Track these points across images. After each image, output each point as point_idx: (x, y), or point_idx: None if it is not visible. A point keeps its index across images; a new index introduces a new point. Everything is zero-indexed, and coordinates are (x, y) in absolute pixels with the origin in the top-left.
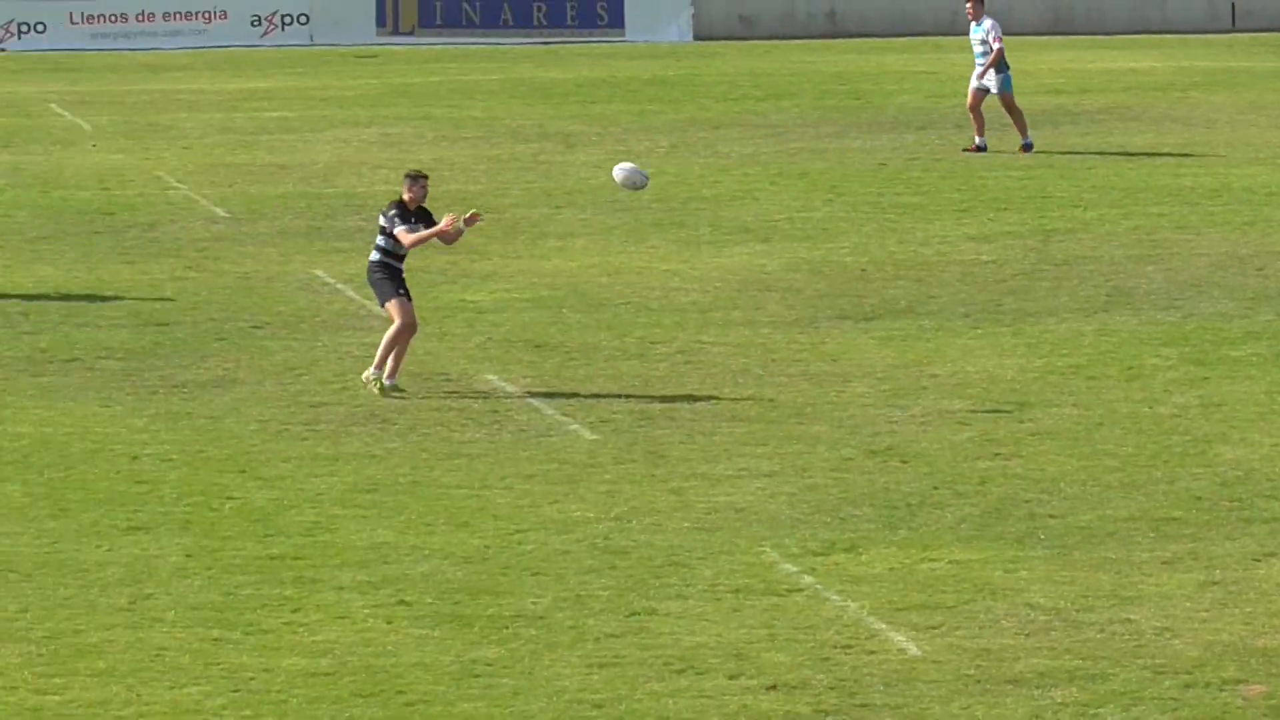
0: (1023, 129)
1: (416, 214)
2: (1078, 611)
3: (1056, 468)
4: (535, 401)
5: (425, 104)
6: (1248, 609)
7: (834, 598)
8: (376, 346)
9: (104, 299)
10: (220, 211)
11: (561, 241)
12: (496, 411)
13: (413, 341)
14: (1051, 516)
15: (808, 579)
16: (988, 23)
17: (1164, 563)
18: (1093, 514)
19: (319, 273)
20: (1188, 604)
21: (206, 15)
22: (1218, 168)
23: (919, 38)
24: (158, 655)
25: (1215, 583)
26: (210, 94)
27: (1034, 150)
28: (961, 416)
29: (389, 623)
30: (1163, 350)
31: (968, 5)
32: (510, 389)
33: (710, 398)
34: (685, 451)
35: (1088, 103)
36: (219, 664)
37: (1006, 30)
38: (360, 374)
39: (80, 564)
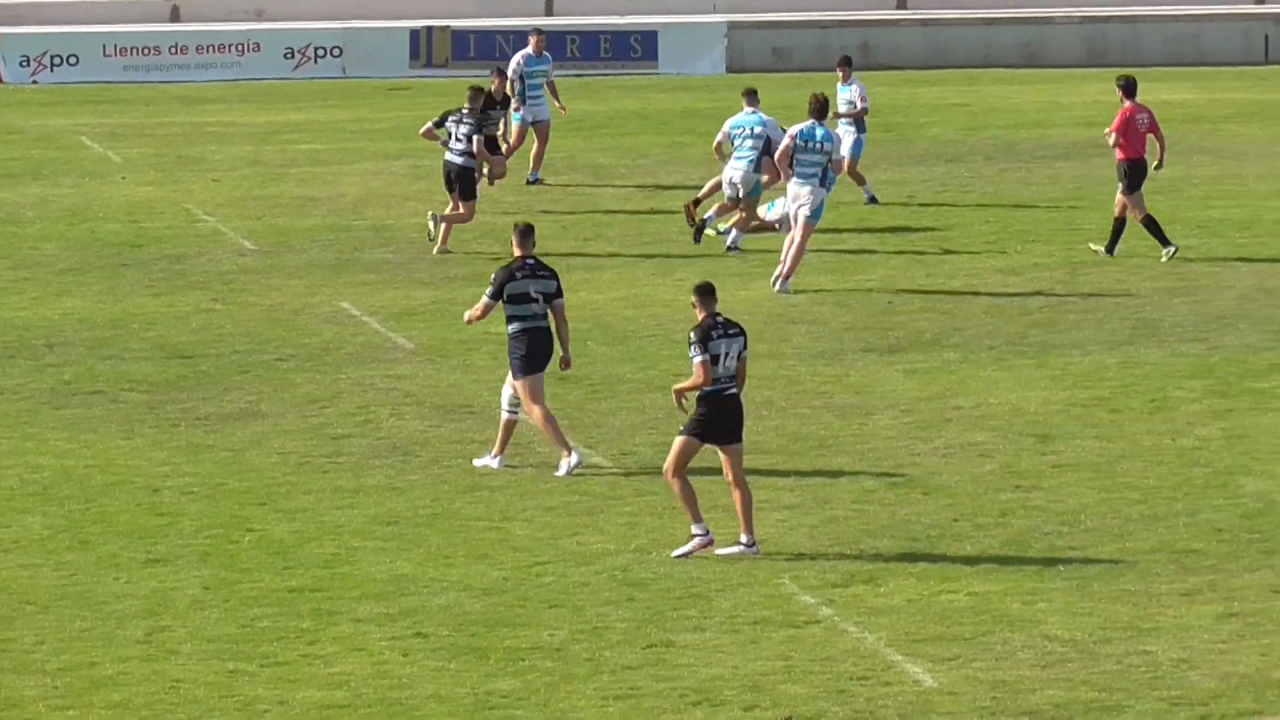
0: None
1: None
2: (1095, 643)
3: (1078, 500)
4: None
5: None
6: (1266, 641)
7: (852, 629)
8: (400, 379)
9: (130, 331)
10: (248, 244)
11: (589, 274)
12: (519, 443)
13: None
14: (1072, 549)
15: (826, 610)
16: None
17: (1183, 595)
18: (1113, 546)
19: (345, 305)
20: (1206, 636)
21: (240, 48)
22: (1247, 200)
23: (951, 70)
24: (173, 687)
25: (1234, 614)
26: (241, 126)
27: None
28: (984, 449)
29: (405, 655)
30: (1187, 383)
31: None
32: (533, 422)
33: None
34: (706, 484)
35: None
36: (235, 696)
37: (1042, 63)
38: (380, 407)
39: (98, 596)
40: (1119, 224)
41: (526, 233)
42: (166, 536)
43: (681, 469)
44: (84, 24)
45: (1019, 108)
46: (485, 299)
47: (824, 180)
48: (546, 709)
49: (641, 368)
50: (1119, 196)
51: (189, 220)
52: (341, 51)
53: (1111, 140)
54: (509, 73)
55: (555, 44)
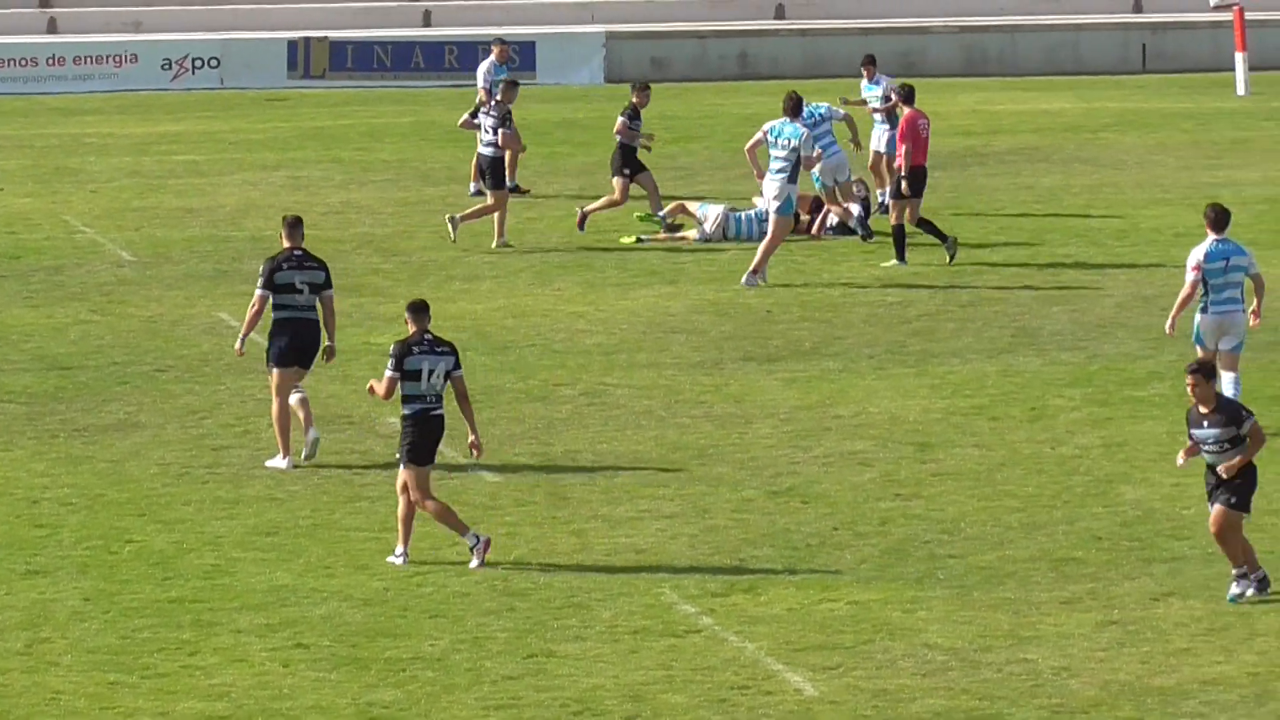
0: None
1: None
2: (976, 651)
3: (957, 508)
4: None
5: (335, 147)
6: (1145, 648)
7: (732, 638)
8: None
9: (8, 342)
10: (126, 255)
11: (468, 284)
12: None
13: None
14: (952, 557)
15: (706, 620)
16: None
17: (1063, 603)
18: (993, 554)
19: (224, 316)
20: (1086, 644)
21: (117, 59)
22: (1125, 208)
23: (830, 80)
24: (53, 699)
25: (1114, 622)
26: (119, 137)
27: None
28: (864, 457)
29: (286, 666)
30: (1066, 391)
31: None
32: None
33: (613, 440)
34: (587, 493)
35: (997, 144)
36: (115, 708)
37: (920, 72)
38: (259, 418)
39: None
40: (901, 230)
41: (295, 224)
42: (46, 548)
43: (428, 493)
44: None
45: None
46: (257, 290)
47: (793, 176)
48: (428, 719)
49: (521, 377)
50: (893, 203)
51: (67, 232)
52: (219, 62)
53: (903, 150)
54: (479, 81)
55: (433, 55)
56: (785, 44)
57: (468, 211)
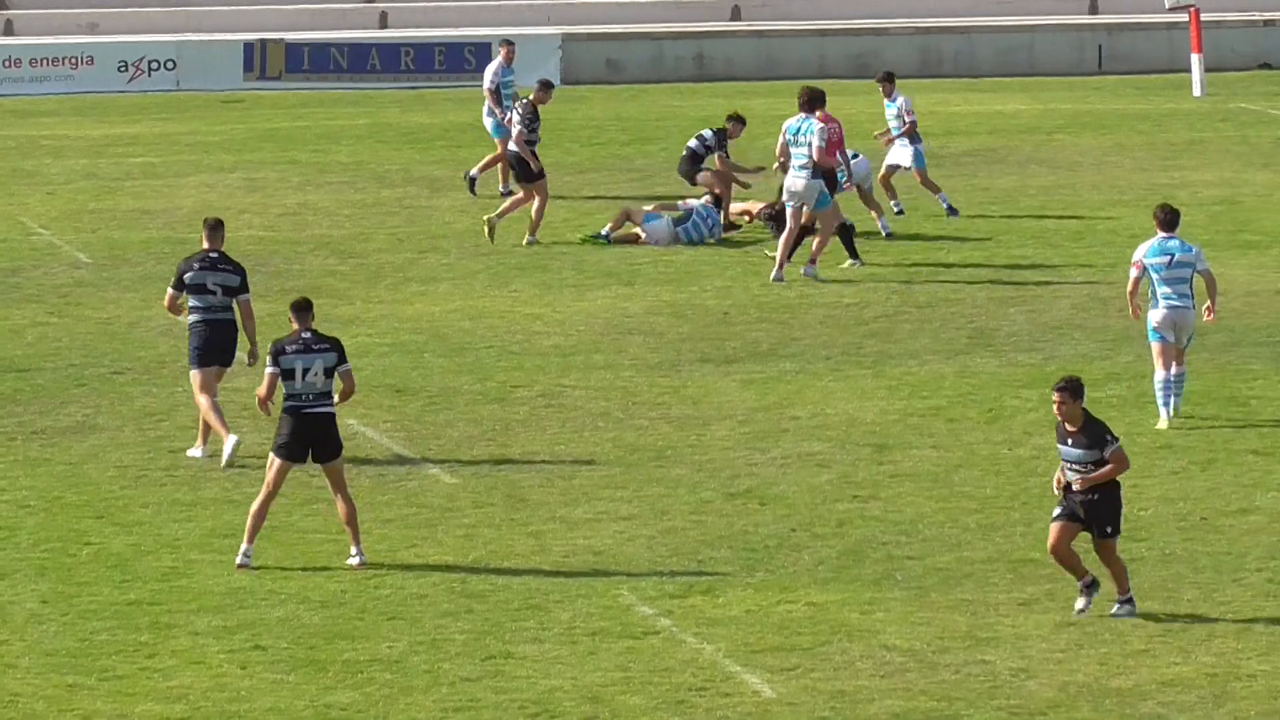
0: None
1: None
2: (934, 653)
3: (915, 509)
4: (395, 446)
5: (291, 149)
6: (1103, 650)
7: (690, 640)
8: (236, 392)
9: None
10: (83, 257)
11: (424, 286)
12: (356, 456)
13: None
14: (909, 558)
15: (664, 621)
16: (901, 99)
17: (1021, 604)
18: (951, 555)
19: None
20: (1044, 645)
21: (73, 61)
22: (1081, 210)
23: (785, 81)
24: (11, 701)
25: (1072, 624)
26: (75, 139)
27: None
28: (821, 459)
29: (244, 668)
30: (1023, 392)
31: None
32: (370, 433)
33: (570, 441)
34: (544, 495)
35: (953, 145)
36: (73, 710)
37: (876, 73)
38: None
39: None
40: (805, 233)
41: (215, 227)
42: (3, 550)
43: (276, 487)
44: None
45: (853, 118)
46: (169, 289)
47: (817, 171)
48: None
49: (479, 379)
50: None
51: (24, 234)
52: (175, 64)
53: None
54: (485, 84)
55: (389, 57)
56: (741, 45)
57: (502, 209)
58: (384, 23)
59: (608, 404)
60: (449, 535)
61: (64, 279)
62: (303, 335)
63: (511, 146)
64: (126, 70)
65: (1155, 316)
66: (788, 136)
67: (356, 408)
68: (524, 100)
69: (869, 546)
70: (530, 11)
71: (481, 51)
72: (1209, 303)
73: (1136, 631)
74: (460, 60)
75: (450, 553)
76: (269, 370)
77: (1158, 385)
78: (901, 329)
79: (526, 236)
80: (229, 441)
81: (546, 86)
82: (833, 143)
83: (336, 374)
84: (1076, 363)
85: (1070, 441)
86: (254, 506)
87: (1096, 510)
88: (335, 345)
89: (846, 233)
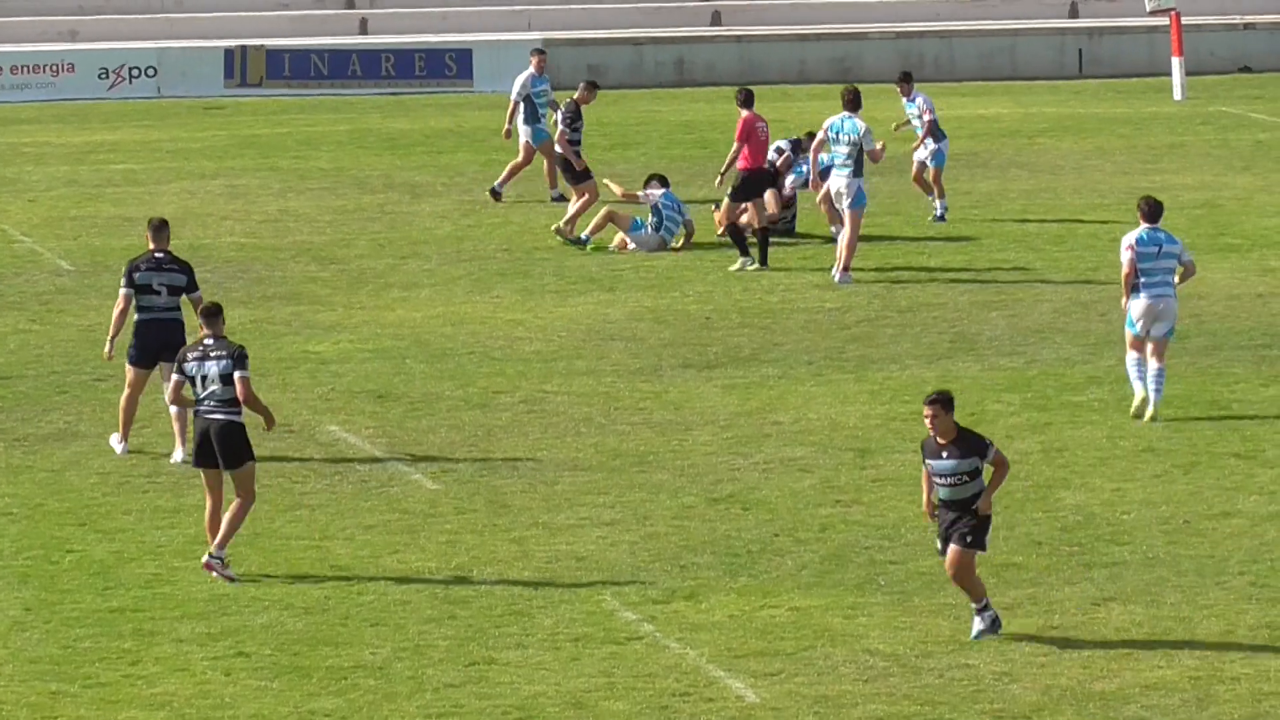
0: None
1: None
2: (917, 657)
3: (897, 514)
4: (377, 452)
5: (272, 155)
6: (1086, 653)
7: (673, 645)
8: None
9: None
10: (65, 264)
11: (406, 292)
12: (338, 462)
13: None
14: (892, 563)
15: (647, 627)
16: (920, 99)
17: (1004, 608)
18: (933, 560)
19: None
20: (1027, 649)
21: (54, 68)
22: (1062, 213)
23: (766, 86)
24: None
25: (1055, 627)
26: (56, 147)
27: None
28: (803, 464)
29: (227, 674)
30: (1005, 396)
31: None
32: (352, 440)
33: (553, 447)
34: (527, 501)
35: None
36: (57, 717)
37: (857, 78)
38: None
39: None
40: (760, 233)
41: (159, 227)
42: None
43: (218, 493)
44: None
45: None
46: (120, 290)
47: (858, 170)
48: None
49: (460, 385)
50: (725, 206)
51: (5, 241)
52: (156, 71)
53: (735, 151)
54: (514, 94)
55: (370, 63)
56: (722, 50)
57: (569, 215)
58: (364, 29)
59: (590, 409)
60: (431, 541)
61: (45, 286)
62: (204, 342)
63: (556, 148)
64: (107, 77)
65: (1136, 308)
66: (829, 134)
67: (339, 414)
68: (568, 100)
69: (852, 551)
70: (510, 17)
71: (462, 57)
72: (1179, 282)
73: (1119, 635)
74: (440, 66)
75: (433, 559)
76: (175, 377)
77: (1130, 364)
78: (883, 333)
79: (559, 224)
80: (117, 442)
81: (591, 86)
82: (760, 141)
83: (226, 381)
84: (1058, 367)
85: (945, 454)
86: (208, 511)
87: (969, 522)
88: (234, 353)
89: (764, 235)
